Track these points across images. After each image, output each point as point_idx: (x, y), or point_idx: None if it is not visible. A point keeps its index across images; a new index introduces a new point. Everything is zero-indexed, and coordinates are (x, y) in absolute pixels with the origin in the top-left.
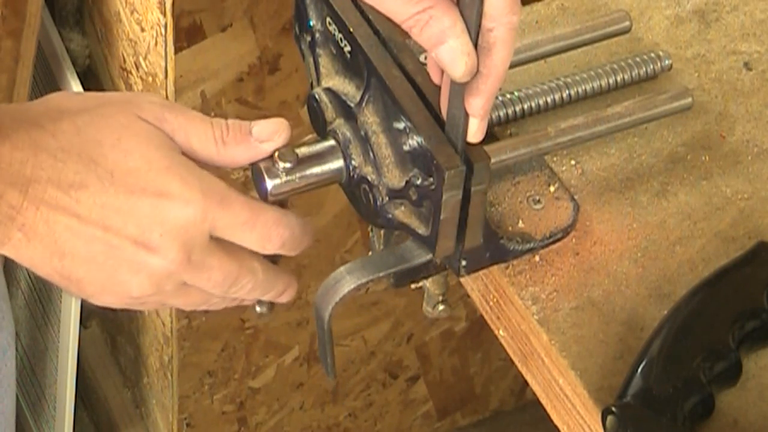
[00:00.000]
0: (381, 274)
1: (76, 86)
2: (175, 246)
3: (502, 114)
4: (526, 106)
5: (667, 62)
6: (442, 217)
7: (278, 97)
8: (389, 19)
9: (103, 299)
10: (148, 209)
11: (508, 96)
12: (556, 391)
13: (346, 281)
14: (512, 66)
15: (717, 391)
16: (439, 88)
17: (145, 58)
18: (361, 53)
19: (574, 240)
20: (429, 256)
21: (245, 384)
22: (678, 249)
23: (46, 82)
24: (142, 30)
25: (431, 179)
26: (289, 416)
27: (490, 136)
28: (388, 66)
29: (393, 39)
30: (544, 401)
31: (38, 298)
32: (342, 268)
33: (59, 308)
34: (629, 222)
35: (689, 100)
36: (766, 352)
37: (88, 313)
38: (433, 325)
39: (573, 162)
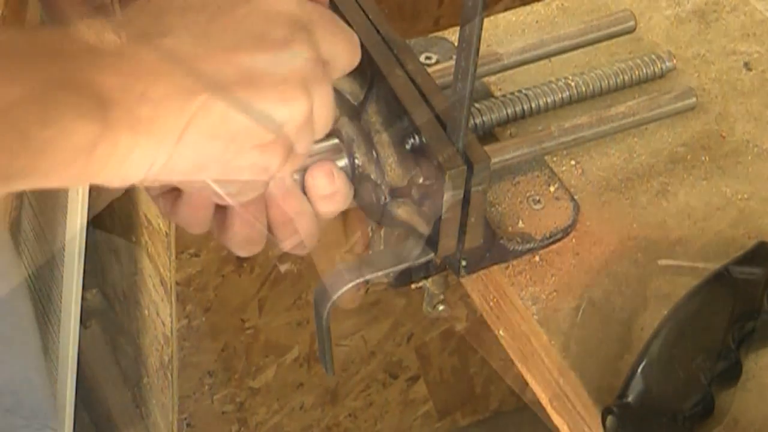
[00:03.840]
0: (380, 273)
1: None
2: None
3: (502, 114)
4: (526, 107)
5: (668, 64)
6: (443, 216)
7: None
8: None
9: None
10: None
11: (509, 96)
12: (556, 391)
13: (344, 279)
14: (517, 65)
15: (717, 391)
16: (439, 88)
17: None
18: (365, 52)
19: (574, 240)
20: (429, 256)
21: (245, 384)
22: (678, 249)
23: None
24: None
25: (433, 178)
26: (289, 416)
27: (490, 136)
28: (391, 66)
29: (394, 39)
30: (544, 401)
31: (38, 298)
32: (341, 266)
33: (59, 308)
34: (629, 222)
35: (693, 99)
36: (766, 352)
37: (88, 313)
38: (433, 325)
39: (573, 162)
